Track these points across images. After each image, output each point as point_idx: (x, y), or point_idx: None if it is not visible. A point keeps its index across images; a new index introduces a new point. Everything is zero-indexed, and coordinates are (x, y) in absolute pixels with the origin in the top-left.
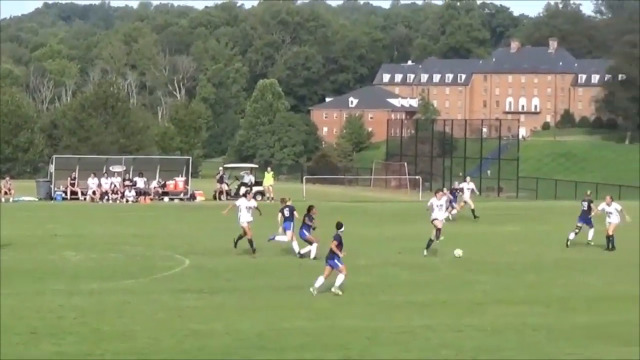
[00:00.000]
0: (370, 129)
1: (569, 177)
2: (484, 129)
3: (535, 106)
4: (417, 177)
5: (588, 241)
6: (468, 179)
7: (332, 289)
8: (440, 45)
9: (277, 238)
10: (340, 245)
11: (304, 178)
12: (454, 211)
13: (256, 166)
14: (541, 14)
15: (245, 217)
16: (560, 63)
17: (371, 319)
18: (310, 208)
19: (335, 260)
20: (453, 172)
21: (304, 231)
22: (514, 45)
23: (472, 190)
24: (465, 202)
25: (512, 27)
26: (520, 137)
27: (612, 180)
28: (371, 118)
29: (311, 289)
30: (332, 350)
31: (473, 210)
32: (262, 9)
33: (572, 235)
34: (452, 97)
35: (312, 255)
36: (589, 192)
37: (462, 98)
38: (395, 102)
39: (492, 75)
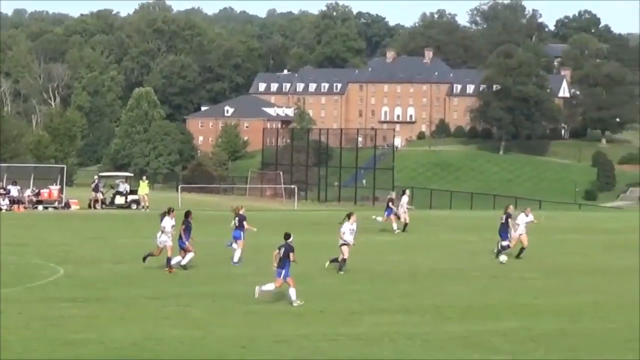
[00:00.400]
0: (246, 138)
1: (444, 186)
2: (360, 139)
3: (411, 116)
4: (292, 186)
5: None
6: (407, 192)
7: (293, 304)
8: (316, 54)
9: (233, 245)
10: (288, 254)
11: (179, 187)
12: (394, 224)
13: (131, 175)
14: (417, 24)
15: (166, 238)
16: (436, 73)
17: (247, 328)
18: (187, 214)
19: (286, 270)
20: (328, 181)
21: (183, 240)
22: (390, 55)
23: (408, 204)
24: (399, 214)
25: (388, 37)
26: (395, 146)
27: (487, 190)
28: (247, 127)
29: (256, 292)
30: (207, 359)
31: (405, 225)
32: (138, 17)
33: (502, 256)
34: (327, 106)
35: (184, 261)
36: (510, 206)
37: (338, 107)
38: (271, 111)
39: (368, 84)
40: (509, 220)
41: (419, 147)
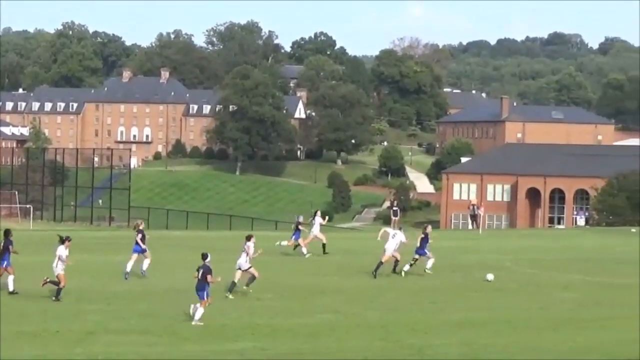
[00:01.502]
0: None
1: (181, 206)
2: (96, 158)
3: (147, 136)
4: (28, 205)
5: (426, 269)
6: (319, 212)
7: (193, 322)
8: (52, 73)
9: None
10: (207, 275)
11: None
12: (302, 247)
13: None
14: (153, 44)
15: (62, 266)
16: (172, 93)
17: None
18: (7, 232)
19: (205, 292)
20: (65, 200)
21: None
22: (126, 74)
23: (321, 224)
24: (315, 236)
25: (124, 57)
26: (132, 166)
27: (223, 210)
28: None
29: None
30: None
31: (324, 245)
32: None
33: (406, 267)
34: (63, 125)
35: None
36: (427, 226)
37: (74, 127)
38: (6, 130)
39: (104, 104)
40: (425, 238)
41: (155, 167)
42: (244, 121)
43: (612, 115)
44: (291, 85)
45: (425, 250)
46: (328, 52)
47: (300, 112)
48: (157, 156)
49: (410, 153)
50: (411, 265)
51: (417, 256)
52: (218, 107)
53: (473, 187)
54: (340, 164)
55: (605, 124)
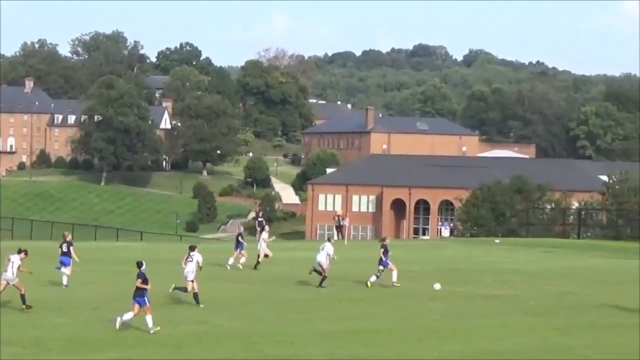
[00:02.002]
0: None
1: (46, 217)
2: None
3: (11, 146)
4: None
5: (393, 283)
6: (267, 227)
7: (150, 331)
8: None
9: (63, 270)
10: (145, 282)
11: None
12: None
13: None
14: (17, 54)
15: (11, 274)
16: (37, 103)
17: None
18: None
19: (145, 298)
20: None
21: None
22: None
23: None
24: (266, 255)
25: None
26: None
27: (88, 221)
28: None
29: (117, 322)
30: None
31: (266, 255)
32: None
33: (373, 278)
34: None
35: None
36: (385, 238)
37: None
38: None
39: None
40: (385, 250)
41: (19, 178)
42: (109, 131)
43: (476, 126)
44: (157, 95)
45: (388, 262)
46: (194, 63)
47: (165, 123)
48: (21, 166)
49: (275, 164)
50: (377, 277)
51: (382, 268)
52: (83, 117)
53: (338, 198)
54: (205, 174)
55: (469, 135)
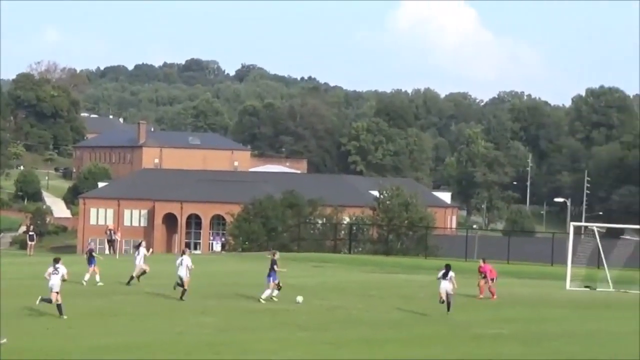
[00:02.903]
0: None
1: None
2: None
3: None
4: None
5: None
6: (144, 243)
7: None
8: None
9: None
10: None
11: None
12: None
13: None
14: None
15: None
16: None
17: None
18: None
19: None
20: None
21: None
22: None
23: (145, 255)
24: (140, 266)
25: None
26: None
27: None
28: None
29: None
30: None
31: (144, 272)
32: None
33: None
34: None
35: None
36: (274, 251)
37: None
38: None
39: None
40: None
41: None
42: None
43: (249, 141)
44: None
45: (276, 277)
46: None
47: None
48: None
49: (47, 177)
50: (272, 291)
51: (274, 282)
52: None
53: (110, 212)
54: None
55: (241, 150)
